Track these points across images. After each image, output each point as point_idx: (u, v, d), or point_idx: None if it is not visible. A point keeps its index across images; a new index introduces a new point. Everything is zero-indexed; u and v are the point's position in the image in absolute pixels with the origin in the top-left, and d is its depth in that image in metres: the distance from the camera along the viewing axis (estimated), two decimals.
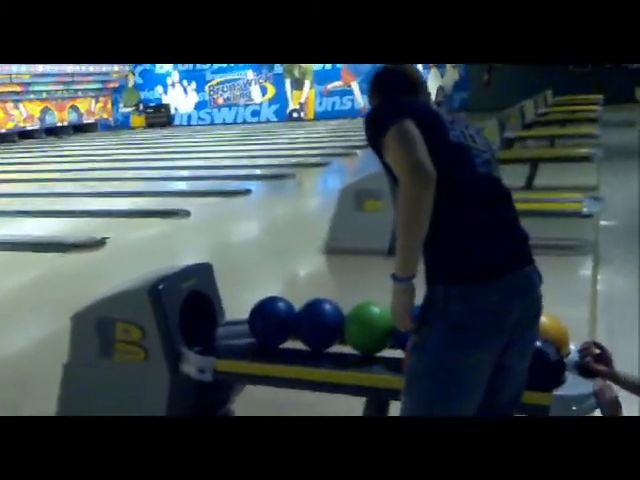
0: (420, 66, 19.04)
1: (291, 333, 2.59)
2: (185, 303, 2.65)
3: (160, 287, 2.57)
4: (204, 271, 2.83)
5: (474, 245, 1.58)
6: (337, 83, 20.31)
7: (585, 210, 4.71)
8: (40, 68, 18.78)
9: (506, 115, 9.42)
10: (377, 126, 1.62)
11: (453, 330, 1.55)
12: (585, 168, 7.11)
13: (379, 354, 2.45)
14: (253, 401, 2.72)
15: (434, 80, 19.40)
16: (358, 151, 11.69)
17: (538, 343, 1.99)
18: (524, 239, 1.68)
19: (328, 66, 20.29)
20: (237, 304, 2.99)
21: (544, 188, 6.60)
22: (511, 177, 7.09)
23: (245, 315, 2.66)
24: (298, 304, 2.65)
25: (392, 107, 1.67)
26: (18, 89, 18.93)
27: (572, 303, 3.65)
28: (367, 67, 19.57)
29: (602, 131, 9.10)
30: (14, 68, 18.05)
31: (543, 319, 2.14)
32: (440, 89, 19.33)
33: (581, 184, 6.45)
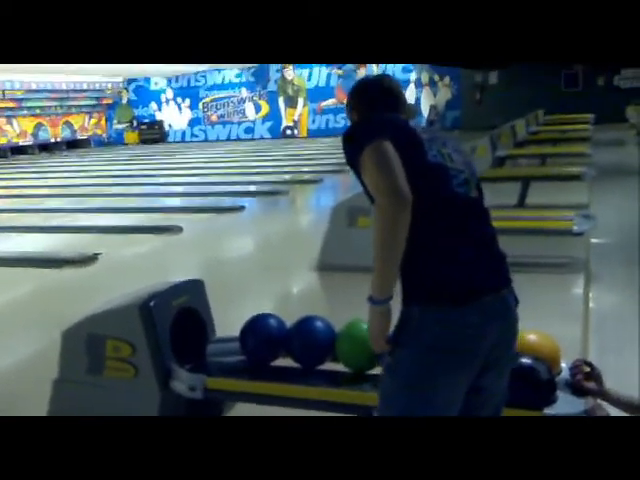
0: (413, 85, 19.23)
1: (282, 350, 2.58)
2: (176, 320, 2.63)
3: (151, 304, 2.56)
4: (196, 288, 2.83)
5: (451, 267, 1.56)
6: (331, 101, 20.45)
7: (576, 228, 4.74)
8: (34, 85, 18.83)
9: (498, 134, 9.50)
10: (354, 144, 1.60)
11: (428, 352, 1.53)
12: (576, 187, 7.17)
13: (371, 372, 2.45)
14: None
15: (427, 98, 19.56)
16: None
17: (529, 361, 2.00)
18: (502, 261, 1.66)
19: (322, 84, 20.46)
20: (229, 321, 2.98)
21: (536, 206, 6.64)
22: (503, 195, 7.17)
23: (236, 332, 2.66)
24: (290, 321, 2.64)
25: (369, 125, 1.66)
26: (11, 105, 18.96)
27: (564, 321, 3.66)
28: None
29: (593, 150, 9.19)
30: (7, 84, 18.08)
31: (535, 337, 2.15)
32: (433, 108, 19.48)
33: (572, 202, 6.49)
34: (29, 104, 19.51)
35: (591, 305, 4.11)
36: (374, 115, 1.74)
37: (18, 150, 19.49)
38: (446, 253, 1.57)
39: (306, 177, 11.02)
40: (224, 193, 9.69)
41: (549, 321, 3.22)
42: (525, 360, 1.97)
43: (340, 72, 20.00)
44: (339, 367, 2.51)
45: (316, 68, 20.36)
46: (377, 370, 2.45)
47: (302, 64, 20.22)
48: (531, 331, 2.15)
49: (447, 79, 19.23)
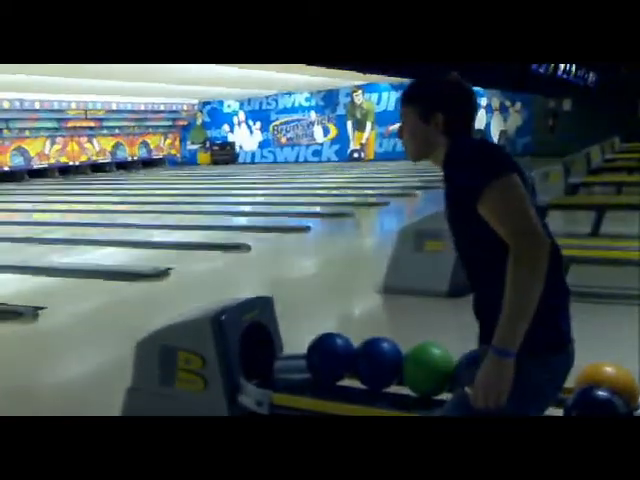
0: (483, 110, 19.01)
1: (349, 370, 2.59)
2: (245, 334, 2.69)
3: (222, 318, 2.62)
4: (265, 304, 2.88)
5: (558, 315, 1.51)
6: (398, 125, 20.45)
7: None
8: (114, 105, 19.72)
9: (571, 160, 9.26)
10: (475, 171, 1.45)
11: (535, 395, 1.50)
12: None
13: (438, 397, 2.42)
14: None
15: (497, 124, 19.29)
16: (417, 192, 11.71)
17: (606, 394, 1.94)
18: None
19: (390, 108, 20.51)
20: (293, 338, 3.01)
21: (610, 235, 6.40)
22: (576, 223, 6.93)
23: (300, 349, 2.69)
24: (355, 342, 2.65)
25: (494, 153, 1.52)
26: (93, 124, 19.91)
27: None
28: None
29: None
30: (90, 104, 18.99)
31: (612, 369, 2.08)
32: (503, 133, 19.19)
33: None
34: (109, 124, 20.43)
35: None
36: (484, 140, 1.62)
37: (97, 167, 20.41)
38: (556, 301, 1.51)
39: (372, 200, 11.04)
40: (291, 213, 9.83)
41: (624, 354, 3.09)
42: (602, 393, 1.91)
43: None
44: (405, 391, 2.50)
45: (385, 93, 20.46)
46: (444, 396, 2.42)
47: (371, 89, 20.37)
48: (608, 364, 2.09)
49: (518, 105, 18.92)
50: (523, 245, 1.38)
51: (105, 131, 20.48)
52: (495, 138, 19.10)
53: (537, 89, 15.10)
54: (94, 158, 20.39)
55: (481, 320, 1.56)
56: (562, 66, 11.90)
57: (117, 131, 20.84)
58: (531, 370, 1.46)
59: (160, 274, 6.02)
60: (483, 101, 19.10)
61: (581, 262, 4.66)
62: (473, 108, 1.62)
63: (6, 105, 16.95)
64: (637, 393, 2.06)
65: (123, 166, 21.17)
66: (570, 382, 2.19)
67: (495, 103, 19.16)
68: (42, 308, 5.02)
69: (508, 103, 19.04)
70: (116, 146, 20.95)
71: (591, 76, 15.32)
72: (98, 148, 20.45)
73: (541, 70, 10.54)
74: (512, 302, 1.39)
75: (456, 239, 1.59)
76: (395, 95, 20.34)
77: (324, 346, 2.62)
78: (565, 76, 12.44)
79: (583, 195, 8.60)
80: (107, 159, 20.79)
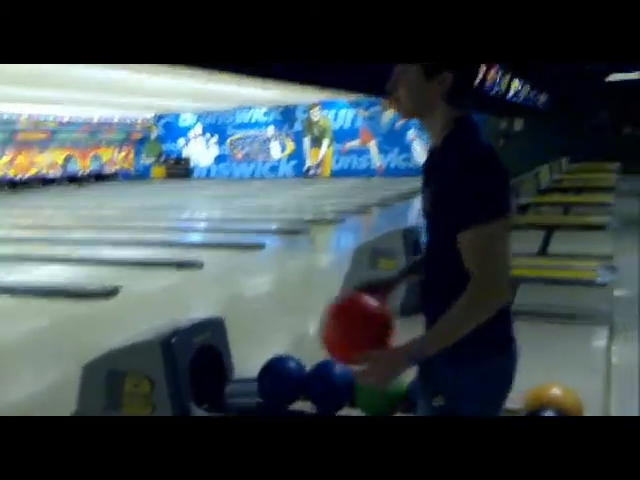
0: None
1: (300, 394, 2.57)
2: (195, 358, 2.65)
3: (173, 341, 2.58)
4: (216, 326, 2.85)
5: (507, 314, 1.55)
6: (355, 142, 20.66)
7: (599, 279, 4.68)
8: (67, 117, 19.31)
9: (520, 180, 9.51)
10: (476, 201, 1.40)
11: (497, 397, 1.53)
12: (599, 237, 7.11)
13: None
14: None
15: None
16: (373, 209, 11.81)
17: (552, 414, 1.97)
18: None
19: (347, 125, 20.72)
20: (246, 359, 2.98)
21: (558, 255, 6.58)
22: (524, 243, 7.13)
23: (253, 371, 2.66)
24: (309, 362, 2.64)
25: (502, 184, 1.46)
26: (43, 136, 19.44)
27: (585, 374, 3.59)
28: (385, 127, 19.91)
29: (618, 200, 9.13)
30: (41, 117, 18.56)
31: (558, 391, 2.13)
32: None
33: (595, 253, 6.43)
34: (61, 136, 19.98)
35: (613, 359, 4.03)
36: (498, 165, 1.48)
37: (48, 181, 19.90)
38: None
39: (328, 217, 11.09)
40: (245, 230, 9.78)
41: (570, 373, 3.17)
42: (549, 414, 1.94)
43: (365, 113, 20.25)
44: (357, 412, 2.49)
45: (343, 110, 20.66)
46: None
47: (328, 106, 20.54)
48: (554, 384, 2.13)
49: None
50: (485, 294, 1.40)
51: (56, 143, 20.02)
52: None
53: (489, 109, 15.48)
54: (44, 171, 19.88)
55: (427, 313, 1.57)
56: (513, 87, 12.21)
57: (69, 144, 20.39)
58: (489, 371, 1.47)
59: (108, 292, 5.87)
60: None
61: (529, 281, 4.77)
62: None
63: None
64: (582, 413, 2.10)
65: (75, 180, 20.70)
66: (518, 404, 2.23)
67: None
68: None
69: None
70: (67, 159, 20.50)
71: (542, 97, 15.78)
72: (49, 161, 19.96)
73: (495, 89, 10.79)
74: (447, 329, 1.41)
75: (429, 230, 1.57)
76: (352, 112, 20.57)
77: (275, 370, 2.60)
78: (515, 98, 12.78)
79: (532, 215, 8.83)
80: (58, 172, 20.30)
